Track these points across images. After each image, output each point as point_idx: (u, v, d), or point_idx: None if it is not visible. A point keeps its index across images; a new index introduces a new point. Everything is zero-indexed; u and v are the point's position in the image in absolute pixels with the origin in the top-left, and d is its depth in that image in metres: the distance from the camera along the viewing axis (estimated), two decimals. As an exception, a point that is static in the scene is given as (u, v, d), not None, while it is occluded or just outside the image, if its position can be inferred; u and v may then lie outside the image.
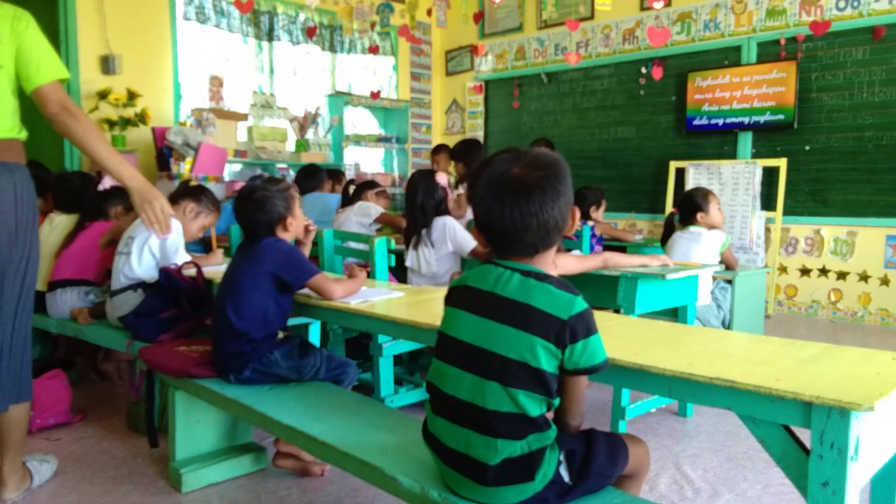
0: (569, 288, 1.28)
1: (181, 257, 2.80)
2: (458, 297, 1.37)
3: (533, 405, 1.25)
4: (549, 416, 1.32)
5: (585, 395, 1.36)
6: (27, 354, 2.10)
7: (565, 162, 1.32)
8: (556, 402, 1.30)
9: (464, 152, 4.64)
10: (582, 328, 1.24)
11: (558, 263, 2.26)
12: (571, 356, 1.24)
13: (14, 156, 1.99)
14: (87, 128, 2.01)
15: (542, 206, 1.25)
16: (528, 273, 1.29)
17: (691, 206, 3.48)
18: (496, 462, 1.26)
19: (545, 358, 1.23)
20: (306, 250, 2.51)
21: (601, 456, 1.34)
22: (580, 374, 1.28)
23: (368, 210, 3.90)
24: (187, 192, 3.03)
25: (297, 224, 2.30)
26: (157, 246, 2.78)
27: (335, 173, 5.27)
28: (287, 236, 2.26)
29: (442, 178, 3.22)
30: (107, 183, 3.16)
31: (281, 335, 2.25)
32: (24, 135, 2.03)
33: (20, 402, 2.09)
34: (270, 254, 2.15)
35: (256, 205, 2.19)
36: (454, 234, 3.13)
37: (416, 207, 3.17)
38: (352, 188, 4.24)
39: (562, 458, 1.31)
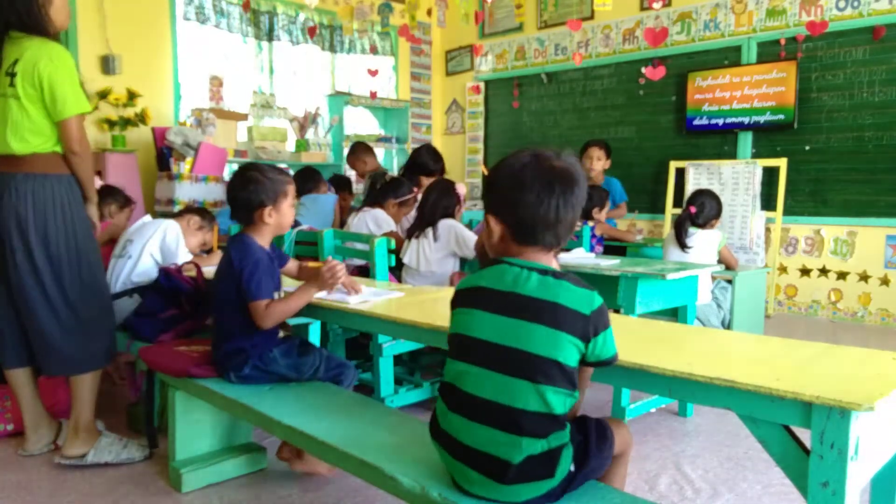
0: (585, 284, 1.32)
1: (182, 256, 2.85)
2: (473, 297, 1.37)
3: (559, 402, 1.27)
4: None
5: None
6: (74, 334, 2.38)
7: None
8: (577, 394, 1.32)
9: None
10: (602, 322, 1.31)
11: None
12: (594, 349, 1.30)
13: (37, 168, 2.31)
14: (84, 174, 2.41)
15: (579, 199, 1.34)
16: (544, 272, 1.32)
17: (715, 211, 3.55)
18: (519, 460, 1.27)
19: (572, 353, 1.28)
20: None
21: (593, 438, 1.38)
22: (599, 365, 1.34)
23: (381, 223, 3.87)
24: (193, 209, 3.37)
25: (280, 219, 2.18)
26: (157, 248, 2.83)
27: (343, 183, 5.09)
28: (266, 229, 2.17)
29: (461, 189, 3.37)
30: (98, 182, 3.17)
31: (282, 334, 2.24)
32: (46, 148, 2.31)
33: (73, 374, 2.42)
34: (238, 259, 2.08)
35: (244, 182, 2.12)
36: (457, 233, 3.18)
37: (427, 203, 3.28)
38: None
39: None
